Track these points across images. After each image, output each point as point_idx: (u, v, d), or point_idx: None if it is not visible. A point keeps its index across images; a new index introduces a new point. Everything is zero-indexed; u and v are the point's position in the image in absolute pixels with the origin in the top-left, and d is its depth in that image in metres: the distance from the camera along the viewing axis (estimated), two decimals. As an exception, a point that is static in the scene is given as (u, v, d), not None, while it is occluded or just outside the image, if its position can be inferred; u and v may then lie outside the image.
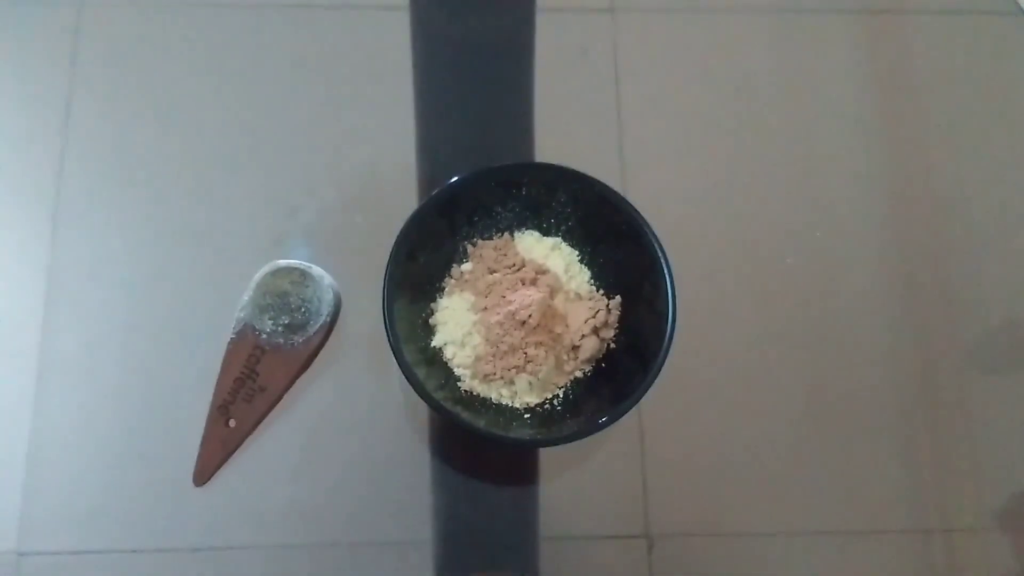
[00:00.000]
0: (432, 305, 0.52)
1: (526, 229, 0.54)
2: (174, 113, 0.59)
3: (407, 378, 0.46)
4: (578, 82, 0.62)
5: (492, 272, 0.52)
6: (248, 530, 0.51)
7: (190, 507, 0.51)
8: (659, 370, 0.46)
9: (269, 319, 0.53)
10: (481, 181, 0.51)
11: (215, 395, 0.52)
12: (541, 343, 0.49)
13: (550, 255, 0.53)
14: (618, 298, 0.52)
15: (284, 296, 0.53)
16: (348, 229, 0.57)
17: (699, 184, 0.60)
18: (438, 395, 0.47)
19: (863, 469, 0.55)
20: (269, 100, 0.60)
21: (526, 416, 0.50)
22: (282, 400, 0.53)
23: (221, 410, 0.52)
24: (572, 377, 0.51)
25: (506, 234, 0.54)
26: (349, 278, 0.55)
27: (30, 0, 0.61)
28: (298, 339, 0.53)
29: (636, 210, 0.50)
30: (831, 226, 0.59)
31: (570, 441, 0.46)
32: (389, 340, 0.47)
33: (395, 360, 0.46)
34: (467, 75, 0.61)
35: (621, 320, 0.52)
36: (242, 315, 0.53)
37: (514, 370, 0.49)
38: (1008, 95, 0.64)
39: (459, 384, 0.51)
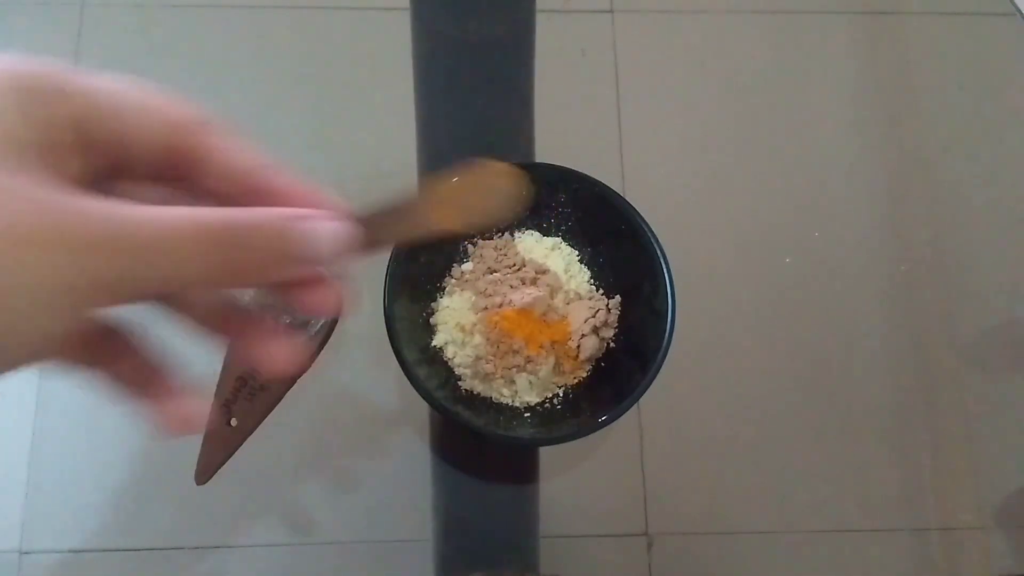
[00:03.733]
0: (433, 304, 0.52)
1: (526, 229, 0.54)
2: (175, 113, 0.59)
3: (408, 377, 0.46)
4: (578, 82, 0.62)
5: (492, 272, 0.52)
6: (249, 529, 0.51)
7: (191, 506, 0.51)
8: (658, 369, 0.46)
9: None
10: (481, 181, 0.51)
11: (217, 394, 0.52)
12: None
13: (550, 255, 0.53)
14: (618, 298, 0.52)
15: (285, 295, 0.53)
16: (349, 229, 0.57)
17: (699, 184, 0.60)
18: (438, 394, 0.47)
19: (862, 468, 0.55)
20: (269, 100, 0.60)
21: (526, 415, 0.50)
22: (283, 399, 0.53)
23: (223, 409, 0.52)
24: (572, 376, 0.52)
25: (506, 234, 0.54)
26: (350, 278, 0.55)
27: (32, 1, 0.61)
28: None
29: (636, 210, 0.50)
30: (830, 226, 0.60)
31: (570, 440, 0.47)
32: (390, 340, 0.47)
33: (395, 360, 0.47)
34: (467, 75, 0.62)
35: (621, 320, 0.52)
36: (243, 315, 0.53)
37: (514, 369, 0.50)
38: (1006, 96, 0.64)
39: (459, 383, 0.51)
